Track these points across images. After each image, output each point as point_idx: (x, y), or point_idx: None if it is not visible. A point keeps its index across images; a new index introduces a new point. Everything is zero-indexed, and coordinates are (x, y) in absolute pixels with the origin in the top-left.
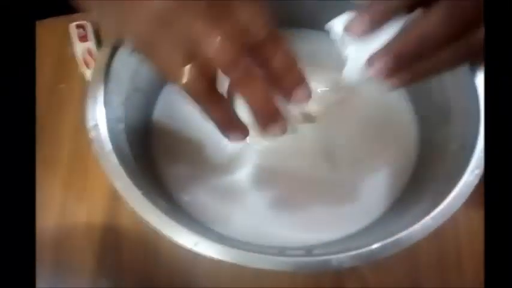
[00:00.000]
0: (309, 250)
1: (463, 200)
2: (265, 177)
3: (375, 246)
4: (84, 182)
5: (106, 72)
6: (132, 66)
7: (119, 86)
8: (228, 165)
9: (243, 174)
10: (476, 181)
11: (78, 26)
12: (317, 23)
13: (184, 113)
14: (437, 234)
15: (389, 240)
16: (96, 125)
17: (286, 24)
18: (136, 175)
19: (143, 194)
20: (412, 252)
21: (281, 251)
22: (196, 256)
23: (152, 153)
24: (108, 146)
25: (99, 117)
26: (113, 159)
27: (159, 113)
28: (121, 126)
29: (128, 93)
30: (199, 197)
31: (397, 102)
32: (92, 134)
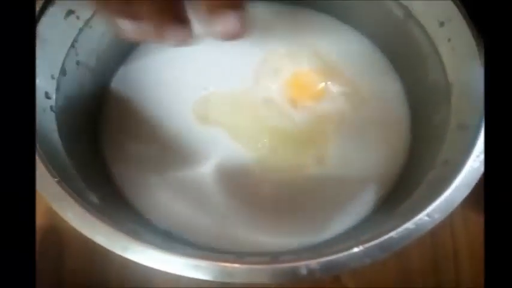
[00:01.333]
0: (274, 256)
1: (467, 191)
2: (231, 171)
3: (355, 250)
4: None
5: None
6: (70, 34)
7: (50, 54)
8: (188, 158)
9: (205, 168)
10: (482, 168)
11: None
12: None
13: (142, 96)
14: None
15: (374, 242)
16: None
17: None
18: (58, 160)
19: (58, 182)
20: (401, 257)
21: (239, 256)
22: None
23: (99, 139)
24: None
25: None
26: None
27: (113, 94)
28: (47, 102)
29: (65, 66)
30: (151, 192)
31: (385, 85)
32: None
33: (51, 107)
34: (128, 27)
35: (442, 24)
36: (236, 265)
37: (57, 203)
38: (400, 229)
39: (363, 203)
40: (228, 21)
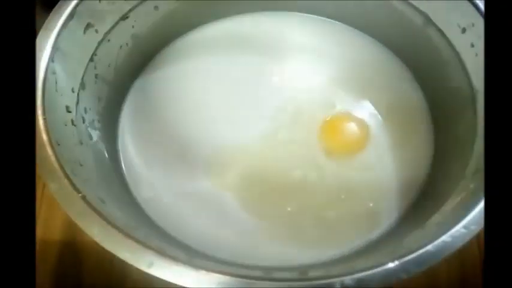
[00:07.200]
0: (303, 271)
1: None
2: (251, 182)
3: (391, 265)
4: (40, 191)
5: (52, 48)
6: (89, 48)
7: (70, 68)
8: (209, 170)
9: (224, 180)
10: None
11: None
12: None
13: (159, 109)
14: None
15: (410, 256)
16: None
17: None
18: (81, 174)
19: (82, 197)
20: (428, 271)
21: (266, 272)
22: None
23: (119, 152)
24: (44, 135)
25: (38, 101)
26: (48, 151)
27: (129, 107)
28: (68, 116)
29: (85, 80)
30: (172, 206)
31: (406, 94)
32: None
33: (72, 121)
34: None
35: (464, 30)
36: (267, 282)
37: (82, 219)
38: (436, 242)
39: (387, 215)
40: None
